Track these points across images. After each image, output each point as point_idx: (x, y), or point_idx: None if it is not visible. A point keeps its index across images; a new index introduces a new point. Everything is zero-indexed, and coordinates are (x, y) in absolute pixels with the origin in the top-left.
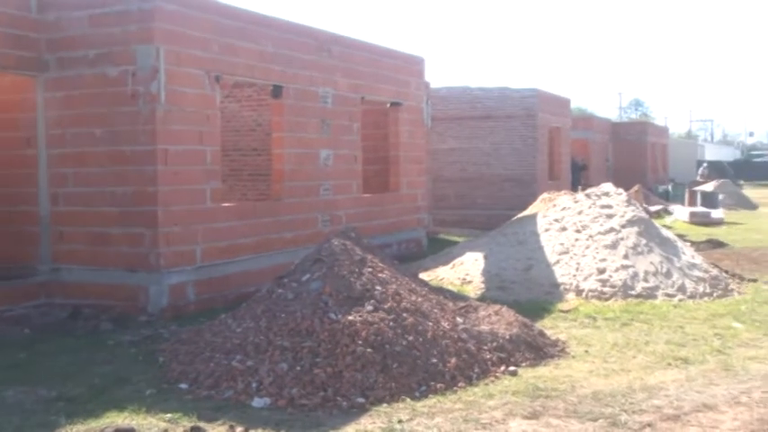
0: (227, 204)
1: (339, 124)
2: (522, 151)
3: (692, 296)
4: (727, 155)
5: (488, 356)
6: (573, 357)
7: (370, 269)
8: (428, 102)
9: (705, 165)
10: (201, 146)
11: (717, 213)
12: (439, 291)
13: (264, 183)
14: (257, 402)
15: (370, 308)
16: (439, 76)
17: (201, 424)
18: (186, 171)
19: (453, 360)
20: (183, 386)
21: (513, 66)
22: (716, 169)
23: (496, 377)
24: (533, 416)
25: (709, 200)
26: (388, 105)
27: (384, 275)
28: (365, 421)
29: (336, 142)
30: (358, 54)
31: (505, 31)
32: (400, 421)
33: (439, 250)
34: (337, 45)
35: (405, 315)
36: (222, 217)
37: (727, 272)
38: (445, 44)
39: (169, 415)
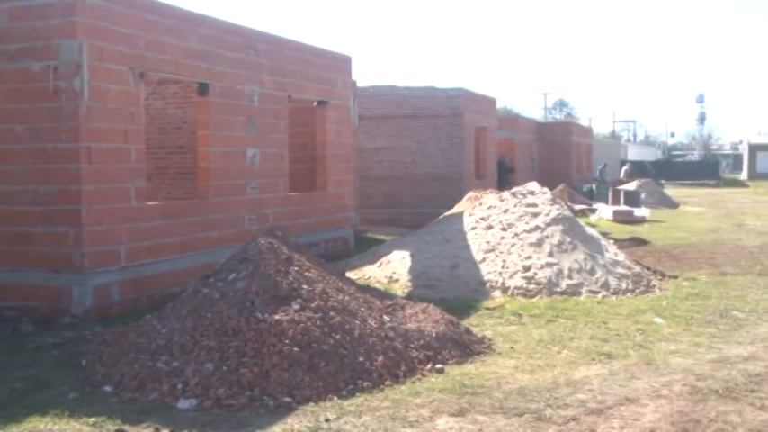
0: (152, 203)
1: (266, 123)
2: (449, 150)
3: (615, 292)
4: (649, 155)
5: (415, 354)
6: (499, 354)
7: (296, 268)
8: (355, 100)
9: (628, 164)
10: (126, 143)
11: (639, 212)
12: (366, 289)
13: (190, 181)
14: (183, 404)
15: (296, 307)
16: (366, 75)
17: (126, 427)
18: (110, 169)
19: (380, 358)
20: (108, 389)
21: (439, 65)
22: (638, 169)
23: (423, 375)
24: (460, 413)
25: (632, 199)
26: (315, 104)
27: (311, 274)
28: (292, 421)
29: (263, 141)
30: (285, 52)
31: (432, 30)
32: (327, 420)
33: (366, 249)
34: (264, 43)
35: (332, 314)
36: (147, 216)
37: (649, 269)
38: (372, 43)
39: (93, 419)
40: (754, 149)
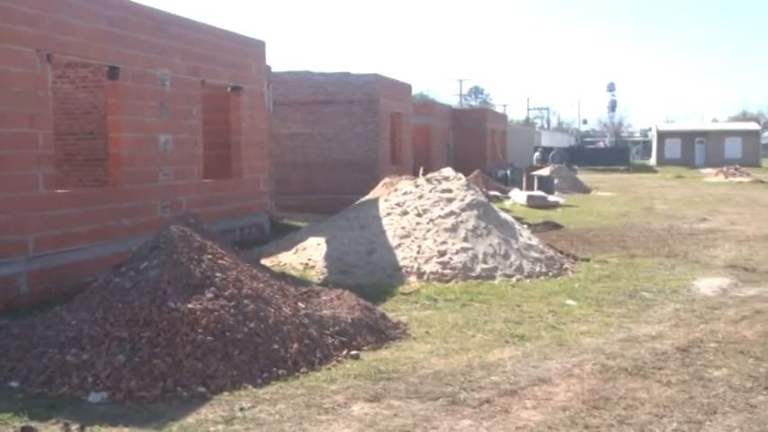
0: (61, 191)
1: (179, 108)
2: (364, 136)
3: (528, 276)
4: (562, 141)
5: (330, 341)
6: (414, 339)
7: (210, 256)
8: (269, 86)
9: (541, 150)
10: (32, 129)
11: (553, 197)
12: (281, 276)
13: (101, 168)
14: (94, 397)
15: (210, 295)
16: (281, 60)
17: (34, 423)
18: (15, 155)
19: (295, 346)
20: (14, 384)
21: (355, 52)
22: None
23: (339, 361)
24: (375, 398)
25: (546, 184)
26: (229, 89)
27: (225, 262)
28: (206, 411)
29: (176, 126)
30: (198, 36)
31: (348, 16)
32: (242, 409)
33: (282, 235)
34: (176, 26)
35: (246, 302)
36: (56, 204)
37: (561, 252)
38: (287, 28)
39: None
40: (663, 136)
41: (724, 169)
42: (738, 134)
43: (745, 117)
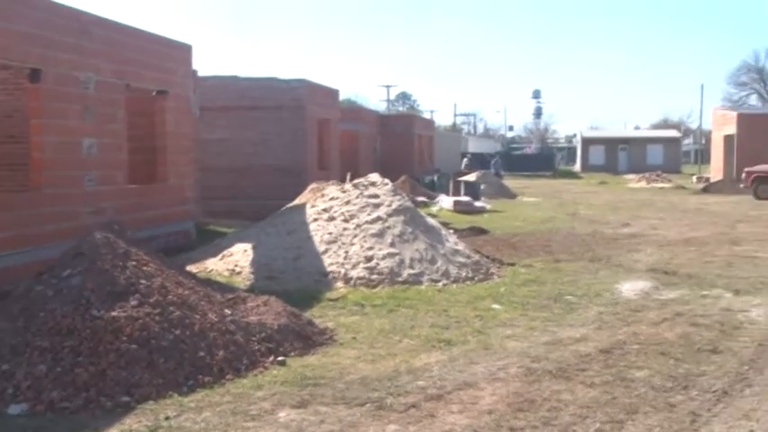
0: None
1: (103, 112)
2: (291, 142)
3: (455, 281)
4: (489, 147)
5: (257, 347)
6: (341, 345)
7: (134, 263)
8: (196, 90)
9: (468, 156)
10: None
11: (479, 202)
12: (207, 283)
13: (23, 173)
14: (13, 409)
15: (134, 303)
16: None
17: None
18: None
19: (221, 353)
20: None
21: (282, 57)
22: (478, 161)
23: (265, 368)
24: (302, 404)
25: (472, 190)
26: (155, 93)
27: (149, 269)
28: (130, 420)
29: (100, 130)
30: (123, 39)
31: (275, 21)
32: (167, 418)
33: (208, 242)
34: (101, 28)
35: (171, 309)
36: None
37: (488, 257)
38: (213, 32)
39: None
40: (587, 143)
41: (646, 175)
42: (660, 141)
43: (666, 125)
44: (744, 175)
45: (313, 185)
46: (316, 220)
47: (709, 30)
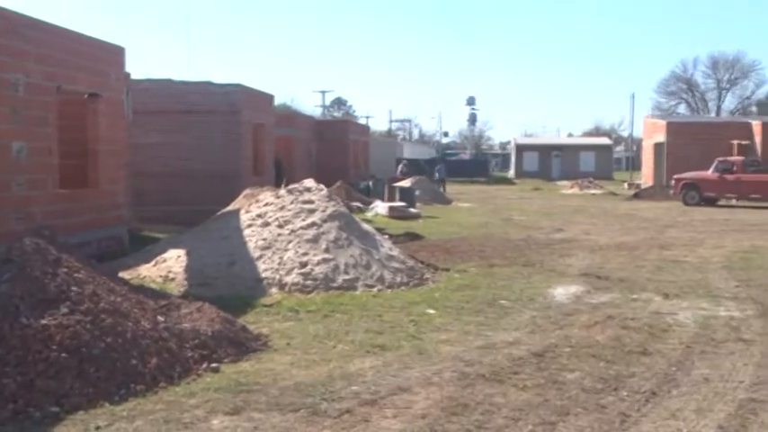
0: None
1: (32, 114)
2: (226, 147)
3: (390, 286)
4: (423, 153)
5: (190, 354)
6: (275, 351)
7: (65, 269)
8: (129, 94)
9: (404, 162)
10: None
11: (414, 208)
12: (140, 289)
13: None
14: None
15: (65, 310)
16: (141, 67)
17: None
18: None
19: (154, 360)
20: None
21: (217, 61)
22: (414, 167)
23: (198, 375)
24: (235, 411)
25: (407, 195)
26: (87, 96)
27: (81, 275)
28: (60, 431)
29: (30, 134)
30: (54, 40)
31: (209, 25)
32: (98, 428)
33: (141, 248)
34: (31, 29)
35: (103, 316)
36: None
37: (422, 262)
38: (148, 35)
39: None
40: (521, 149)
41: (579, 182)
42: (592, 148)
43: (598, 132)
44: (673, 181)
45: (247, 191)
46: (250, 225)
47: (640, 40)
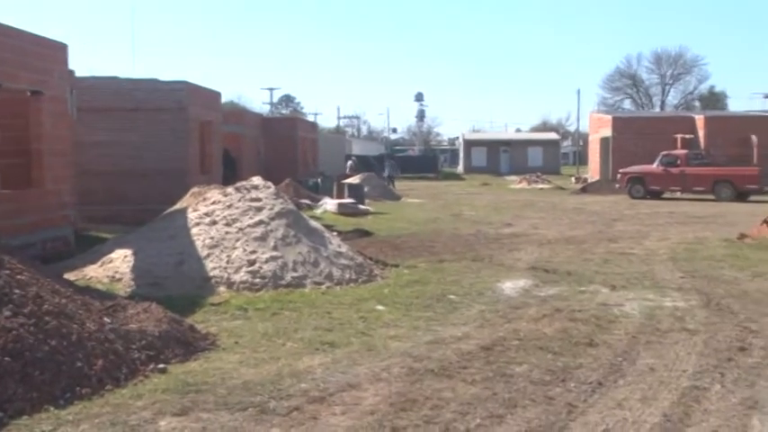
0: None
1: None
2: (173, 145)
3: (338, 283)
4: (372, 150)
5: (137, 355)
6: (223, 350)
7: (7, 272)
8: (73, 91)
9: (353, 158)
10: None
11: (363, 204)
12: (85, 291)
13: None
14: None
15: (7, 313)
16: (86, 65)
17: None
18: None
19: (100, 362)
20: None
21: (162, 58)
22: (362, 163)
23: (146, 376)
24: (183, 412)
25: (356, 192)
26: (29, 94)
27: (24, 277)
28: None
29: None
30: None
31: (155, 22)
32: None
33: (87, 248)
34: None
35: (47, 318)
36: None
37: (371, 259)
38: (92, 33)
39: None
40: (470, 145)
41: (527, 177)
42: (540, 144)
43: (545, 127)
44: (619, 175)
45: (195, 189)
46: (198, 224)
47: (585, 36)
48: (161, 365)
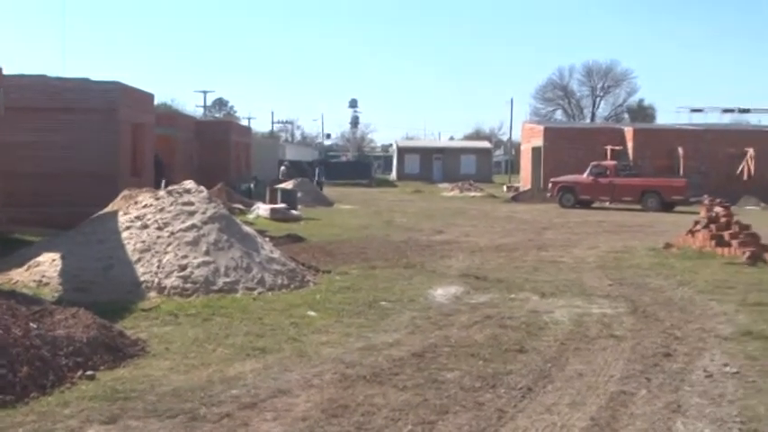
0: None
1: None
2: (104, 146)
3: (270, 288)
4: (306, 155)
5: (64, 362)
6: (153, 356)
7: None
8: (0, 90)
9: (286, 164)
10: None
11: (296, 210)
12: (11, 295)
13: None
14: None
15: None
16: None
17: None
18: None
19: (25, 369)
20: None
21: (93, 59)
22: (296, 169)
23: (73, 383)
24: (111, 420)
25: (289, 197)
26: None
27: None
28: None
29: None
30: None
31: (87, 22)
32: None
33: (13, 252)
34: None
35: None
36: None
37: (304, 264)
38: (21, 30)
39: None
40: (403, 152)
41: (459, 184)
42: (473, 152)
43: (478, 136)
44: (550, 185)
45: (126, 192)
46: (128, 228)
47: (519, 46)
48: (89, 372)
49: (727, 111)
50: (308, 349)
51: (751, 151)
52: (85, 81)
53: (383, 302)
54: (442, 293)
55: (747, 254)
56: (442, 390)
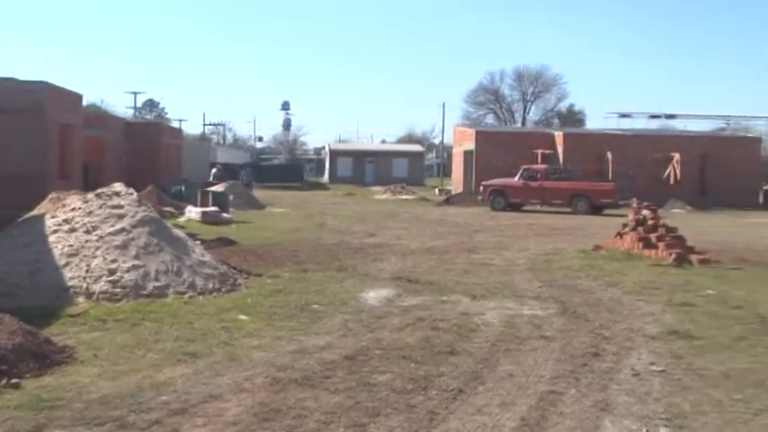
0: None
1: None
2: (30, 148)
3: (202, 293)
4: (238, 158)
5: None
6: (81, 363)
7: None
8: None
9: (218, 166)
10: None
11: (227, 213)
12: None
13: None
14: None
15: None
16: None
17: None
18: None
19: None
20: None
21: (19, 58)
22: (227, 171)
23: None
24: (37, 429)
25: (220, 200)
26: None
27: None
28: None
29: None
30: None
31: (12, 19)
32: None
33: None
34: None
35: None
36: None
37: (235, 268)
38: None
39: None
40: (335, 155)
41: (391, 187)
42: (405, 155)
43: (410, 139)
44: (481, 188)
45: (53, 195)
46: (56, 231)
47: (450, 50)
48: (14, 380)
49: (654, 116)
50: (240, 353)
51: (677, 156)
52: (11, 80)
53: (315, 305)
54: (373, 296)
55: (673, 256)
56: (374, 392)
